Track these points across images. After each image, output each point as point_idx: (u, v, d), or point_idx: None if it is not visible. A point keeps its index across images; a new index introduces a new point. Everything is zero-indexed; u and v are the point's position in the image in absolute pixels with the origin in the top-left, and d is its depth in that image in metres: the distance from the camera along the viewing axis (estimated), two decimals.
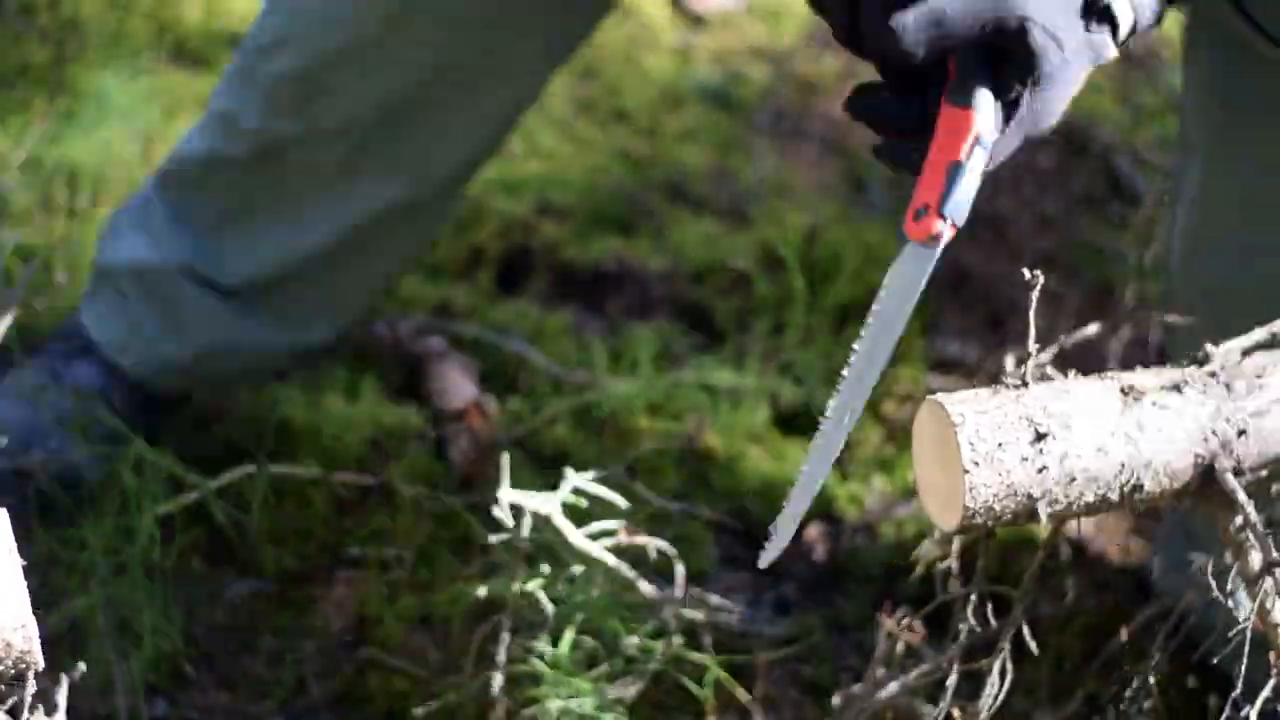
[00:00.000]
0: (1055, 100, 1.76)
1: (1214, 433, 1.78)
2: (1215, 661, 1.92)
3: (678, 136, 3.23)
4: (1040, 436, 1.71)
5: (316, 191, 2.42)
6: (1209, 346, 1.83)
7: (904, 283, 1.75)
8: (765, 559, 1.76)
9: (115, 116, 3.12)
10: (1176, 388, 1.78)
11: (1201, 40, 2.19)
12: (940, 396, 1.74)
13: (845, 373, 1.75)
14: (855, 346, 1.75)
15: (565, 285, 2.92)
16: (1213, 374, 1.80)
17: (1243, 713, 1.78)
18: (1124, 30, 1.77)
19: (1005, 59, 1.72)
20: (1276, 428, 1.80)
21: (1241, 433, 1.79)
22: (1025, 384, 1.76)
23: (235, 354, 2.50)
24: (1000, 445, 1.71)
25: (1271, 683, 1.77)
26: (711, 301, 2.96)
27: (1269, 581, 1.76)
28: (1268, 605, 1.77)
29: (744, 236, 3.04)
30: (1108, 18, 1.76)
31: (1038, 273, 1.73)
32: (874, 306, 1.76)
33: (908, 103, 1.75)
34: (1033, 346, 1.77)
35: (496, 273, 2.98)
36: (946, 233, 1.74)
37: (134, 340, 2.50)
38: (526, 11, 2.32)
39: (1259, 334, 1.88)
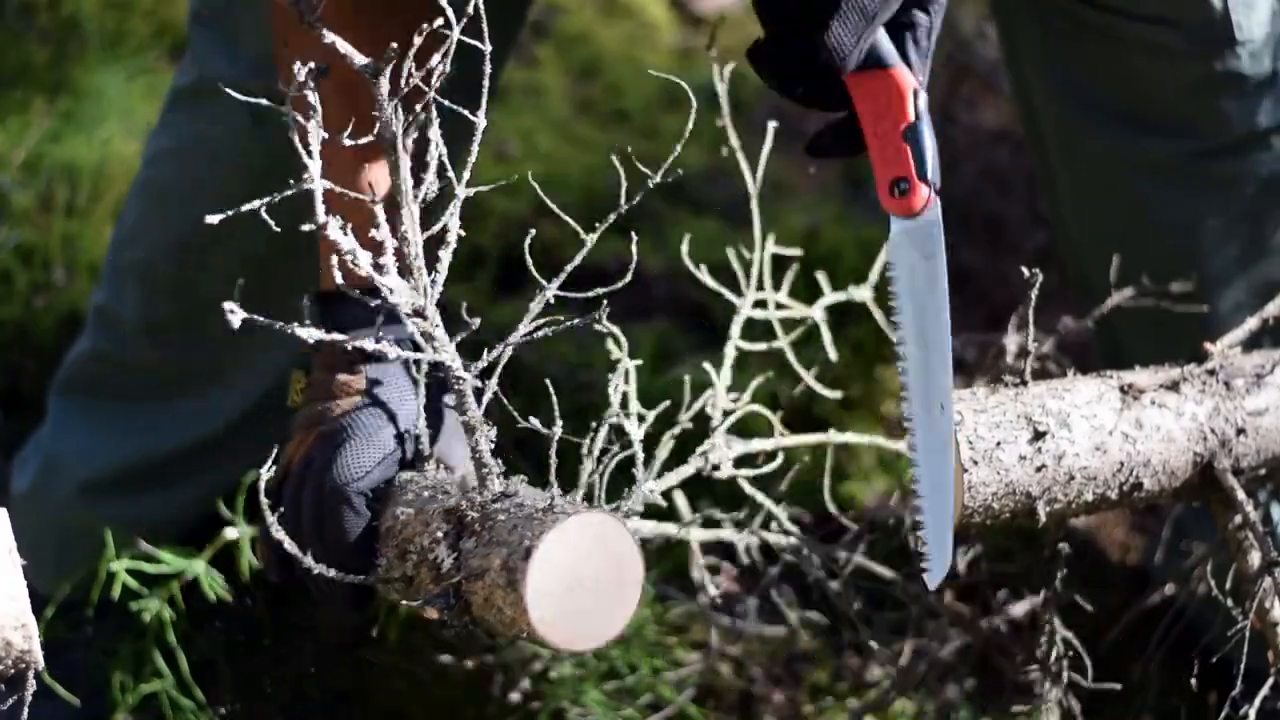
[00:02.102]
0: None
1: (1213, 431, 1.78)
2: (1214, 660, 1.92)
3: (678, 136, 3.23)
4: (1039, 435, 1.71)
5: (205, 373, 2.39)
6: (1207, 344, 1.83)
7: (918, 258, 1.69)
8: (932, 581, 1.70)
9: (115, 116, 3.12)
10: (1175, 386, 1.78)
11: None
12: None
13: (905, 377, 1.69)
14: (902, 349, 1.69)
15: (565, 285, 2.92)
16: (1211, 372, 1.80)
17: (1242, 712, 1.78)
18: None
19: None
20: (1275, 426, 1.80)
21: (1240, 431, 1.79)
22: (1024, 382, 1.76)
23: (142, 531, 2.35)
24: (999, 444, 1.71)
25: (1270, 681, 1.77)
26: (711, 301, 2.96)
27: (1267, 581, 1.76)
28: (1266, 604, 1.77)
29: (744, 236, 3.04)
30: None
31: (1036, 271, 1.73)
32: (898, 298, 1.69)
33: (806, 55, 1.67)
34: (1031, 344, 1.77)
35: (496, 273, 2.98)
36: (933, 199, 1.68)
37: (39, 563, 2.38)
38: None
39: (1252, 323, 1.88)
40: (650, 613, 2.34)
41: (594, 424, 1.81)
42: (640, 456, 1.85)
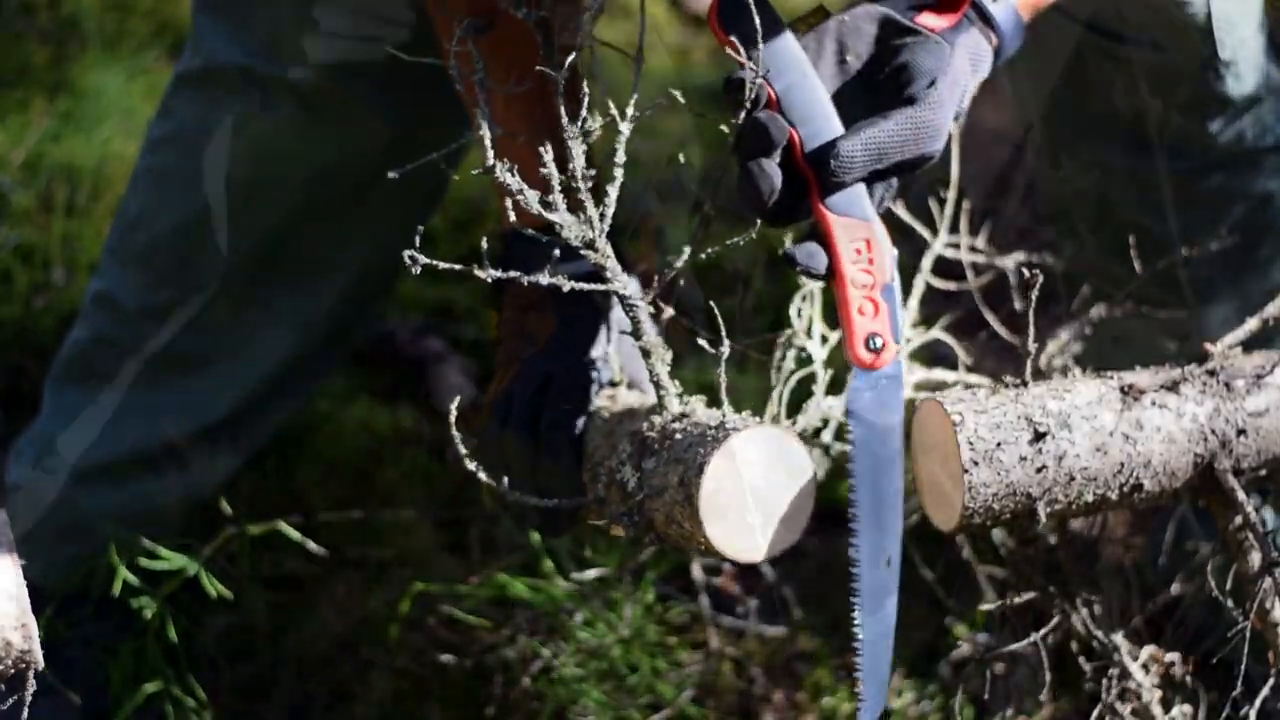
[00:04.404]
0: None
1: (1213, 432, 1.78)
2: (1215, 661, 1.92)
3: (678, 136, 3.23)
4: (1039, 436, 1.71)
5: (206, 359, 2.39)
6: (1207, 345, 1.83)
7: (878, 411, 1.72)
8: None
9: (115, 116, 3.12)
10: (1175, 387, 1.78)
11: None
12: (939, 396, 1.74)
13: (855, 525, 1.71)
14: (853, 495, 1.71)
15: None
16: (1212, 372, 1.80)
17: (1242, 712, 1.78)
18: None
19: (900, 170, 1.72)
20: (1275, 427, 1.80)
21: (1241, 432, 1.79)
22: (1024, 383, 1.76)
23: (138, 519, 2.38)
24: (999, 445, 1.71)
25: (1271, 681, 1.77)
26: (711, 301, 2.95)
27: (1268, 581, 1.76)
28: (1267, 605, 1.77)
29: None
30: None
31: (1036, 271, 1.73)
32: (854, 446, 1.72)
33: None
34: (1031, 345, 1.77)
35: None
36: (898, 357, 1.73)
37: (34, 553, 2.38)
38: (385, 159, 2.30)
39: (1252, 323, 1.88)
40: (650, 613, 2.34)
41: (781, 342, 1.93)
42: (821, 375, 1.94)
